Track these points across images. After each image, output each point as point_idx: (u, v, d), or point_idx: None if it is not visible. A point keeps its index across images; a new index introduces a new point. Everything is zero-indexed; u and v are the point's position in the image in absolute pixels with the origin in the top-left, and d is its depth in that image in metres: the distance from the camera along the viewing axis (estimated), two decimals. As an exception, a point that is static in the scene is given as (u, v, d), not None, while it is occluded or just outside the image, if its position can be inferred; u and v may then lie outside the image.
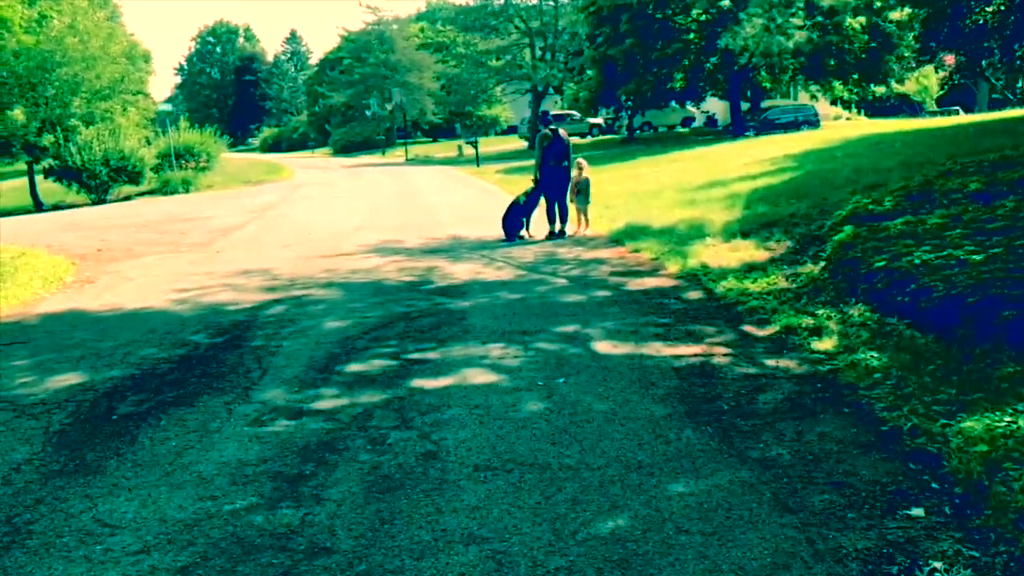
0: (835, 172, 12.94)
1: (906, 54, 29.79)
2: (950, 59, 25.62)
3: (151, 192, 27.93)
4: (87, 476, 4.13)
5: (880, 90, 33.86)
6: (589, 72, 36.84)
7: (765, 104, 34.35)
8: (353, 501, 3.69)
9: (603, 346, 5.90)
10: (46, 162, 27.07)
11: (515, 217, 11.56)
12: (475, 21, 48.41)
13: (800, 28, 26.57)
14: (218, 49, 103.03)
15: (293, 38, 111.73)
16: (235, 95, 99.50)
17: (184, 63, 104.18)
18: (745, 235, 9.69)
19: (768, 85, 33.53)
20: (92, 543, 3.45)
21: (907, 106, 42.14)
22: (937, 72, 37.46)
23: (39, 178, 27.82)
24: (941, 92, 44.07)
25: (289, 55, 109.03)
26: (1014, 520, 3.15)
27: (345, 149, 60.34)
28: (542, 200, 11.64)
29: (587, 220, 11.85)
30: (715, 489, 3.64)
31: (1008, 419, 3.92)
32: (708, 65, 31.23)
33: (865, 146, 17.28)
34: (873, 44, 29.25)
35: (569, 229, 11.67)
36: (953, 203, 8.00)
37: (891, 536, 3.19)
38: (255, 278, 9.60)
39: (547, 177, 11.40)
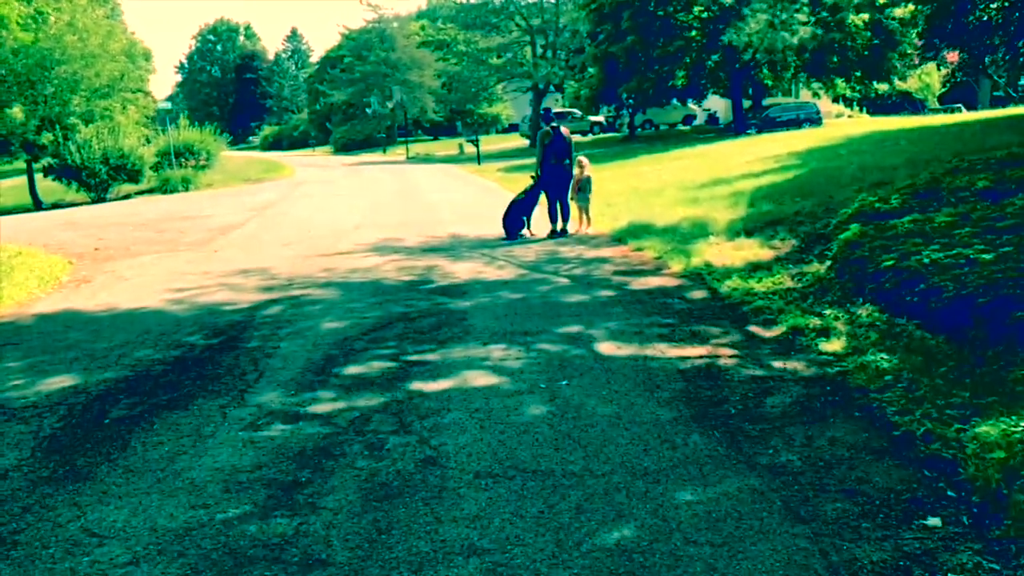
0: (840, 170, 12.81)
1: (909, 51, 29.63)
2: (952, 57, 25.46)
3: (151, 190, 27.82)
4: (77, 483, 4.02)
5: (883, 87, 33.68)
6: (590, 70, 36.70)
7: (767, 102, 34.22)
8: (350, 510, 3.57)
9: (607, 347, 5.78)
10: (45, 160, 26.95)
11: (516, 215, 11.44)
12: (476, 19, 48.24)
13: (804, 24, 26.39)
14: (219, 47, 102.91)
15: (294, 36, 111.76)
16: (236, 93, 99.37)
17: (185, 61, 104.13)
18: (749, 234, 9.56)
19: (770, 83, 33.37)
20: (79, 554, 3.34)
21: (909, 104, 41.97)
22: (939, 69, 37.30)
23: (38, 176, 27.71)
24: (943, 90, 43.90)
25: (290, 53, 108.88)
26: (1036, 531, 3.03)
27: (346, 147, 60.22)
28: (543, 199, 11.52)
29: (589, 218, 11.73)
30: (724, 497, 3.52)
31: (1025, 424, 3.80)
32: (710, 63, 31.09)
33: (869, 144, 17.14)
34: (876, 41, 29.08)
35: (571, 227, 11.54)
36: (961, 201, 7.88)
37: (907, 547, 3.07)
38: (253, 277, 9.49)
39: (548, 175, 11.28)
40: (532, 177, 11.58)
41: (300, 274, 9.52)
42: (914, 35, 27.31)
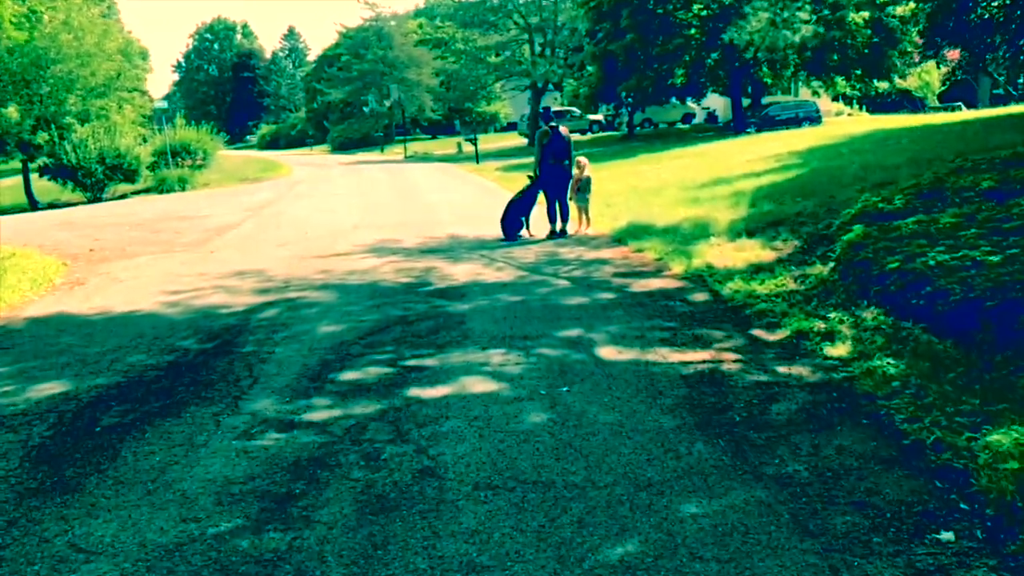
0: (842, 169, 12.71)
1: (909, 49, 29.51)
2: (952, 55, 25.36)
3: (147, 190, 27.68)
4: (64, 495, 3.91)
5: (883, 86, 33.56)
6: (589, 68, 36.55)
7: (766, 100, 34.08)
8: (345, 524, 3.47)
9: (608, 352, 5.67)
10: (41, 160, 26.82)
11: (514, 216, 11.33)
12: (474, 17, 48.05)
13: (806, 22, 26.25)
14: (216, 46, 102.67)
15: (291, 35, 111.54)
16: (233, 92, 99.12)
17: (182, 60, 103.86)
18: (751, 234, 9.46)
19: (769, 81, 33.24)
20: (66, 571, 3.24)
21: (909, 102, 41.86)
22: (939, 68, 37.19)
23: (34, 176, 27.57)
24: (943, 88, 43.81)
25: (287, 52, 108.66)
26: (1054, 547, 2.94)
27: (343, 146, 60.08)
28: (542, 199, 11.41)
29: (588, 219, 11.62)
30: (730, 510, 3.42)
31: (1039, 433, 3.70)
32: (709, 61, 30.95)
33: (871, 142, 17.04)
34: (876, 39, 28.94)
35: (570, 228, 11.44)
36: (966, 201, 7.77)
37: (920, 563, 2.98)
38: (249, 279, 9.38)
39: (546, 175, 11.18)
40: (529, 177, 11.47)
41: (297, 276, 9.41)
42: (914, 33, 27.21)
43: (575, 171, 11.47)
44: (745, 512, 3.39)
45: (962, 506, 3.34)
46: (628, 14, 28.97)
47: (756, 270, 7.81)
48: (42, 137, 25.79)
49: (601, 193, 13.86)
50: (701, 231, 9.97)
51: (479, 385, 5.11)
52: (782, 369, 5.14)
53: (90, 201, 26.32)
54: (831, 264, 7.46)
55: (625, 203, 13.55)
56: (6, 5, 12.85)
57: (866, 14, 27.99)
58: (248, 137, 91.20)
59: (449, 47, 50.56)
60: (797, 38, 26.18)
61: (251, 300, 8.18)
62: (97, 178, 26.30)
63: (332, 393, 5.13)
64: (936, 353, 5.02)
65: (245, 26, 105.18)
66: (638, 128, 38.82)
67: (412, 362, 5.67)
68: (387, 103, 52.84)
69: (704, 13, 28.83)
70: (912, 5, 22.86)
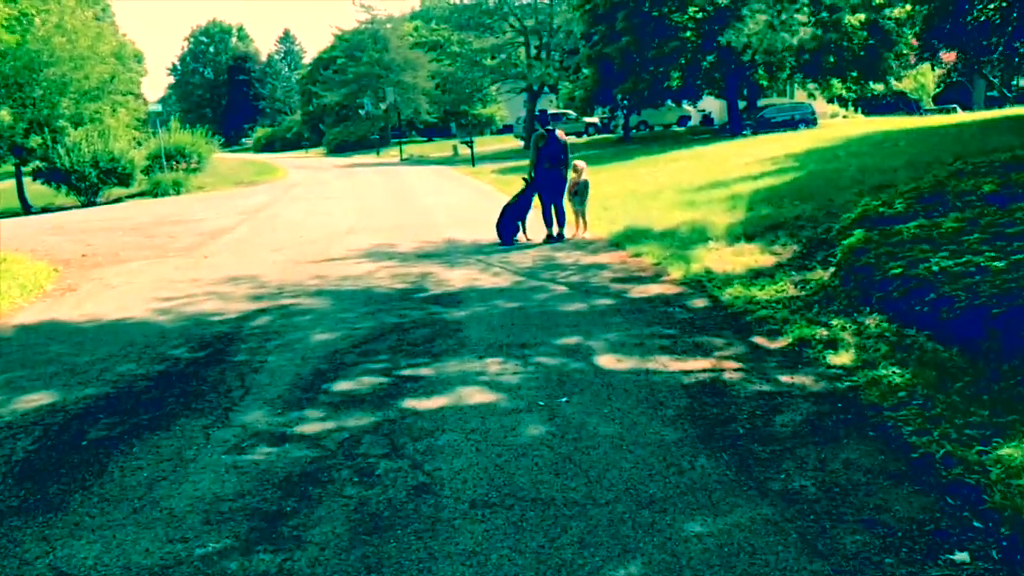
0: (839, 172, 12.63)
1: (905, 51, 29.50)
2: (948, 57, 25.32)
3: (141, 194, 27.54)
4: (47, 514, 3.79)
5: (878, 88, 33.57)
6: (585, 71, 36.49)
7: (762, 103, 34.06)
8: (337, 544, 3.35)
9: (607, 360, 5.56)
10: (34, 164, 26.65)
11: (510, 220, 11.22)
12: (469, 19, 47.96)
13: (804, 25, 26.20)
14: (211, 49, 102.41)
15: (286, 37, 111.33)
16: (228, 95, 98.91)
17: (177, 63, 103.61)
18: (749, 238, 9.37)
19: (765, 83, 33.21)
20: (46, 596, 3.11)
21: (904, 104, 41.90)
22: (934, 70, 37.21)
23: (27, 180, 27.39)
24: (937, 90, 43.86)
25: (283, 54, 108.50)
26: (1072, 568, 2.83)
27: (339, 149, 59.94)
28: (538, 203, 11.29)
29: (585, 223, 11.52)
30: (735, 528, 3.31)
31: (1052, 447, 3.60)
32: (705, 63, 30.91)
33: (868, 145, 16.97)
34: (872, 41, 28.94)
35: (568, 232, 11.34)
36: (968, 206, 7.69)
37: (935, 585, 2.87)
38: (242, 285, 9.25)
39: (542, 179, 11.06)
40: (524, 179, 11.36)
41: (290, 282, 9.29)
42: (910, 35, 27.21)
43: (572, 175, 11.37)
44: (751, 531, 3.28)
45: (976, 524, 3.23)
46: (624, 17, 28.93)
47: (755, 275, 7.72)
48: (35, 140, 25.63)
49: (598, 196, 13.76)
50: (699, 235, 9.88)
51: (476, 396, 5.00)
52: (785, 378, 5.04)
53: (84, 205, 26.17)
54: (832, 269, 7.37)
55: (622, 206, 13.46)
56: (-3, 8, 12.85)
57: (862, 16, 27.97)
58: (244, 140, 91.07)
59: (445, 50, 50.45)
60: (795, 40, 26.13)
61: (244, 307, 8.05)
62: (91, 182, 26.16)
63: (325, 404, 5.01)
64: (942, 362, 4.92)
65: (240, 29, 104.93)
66: (633, 131, 38.77)
67: (407, 371, 5.56)
68: (383, 106, 52.73)
69: (700, 16, 28.78)
70: (908, 7, 22.81)
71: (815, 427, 4.27)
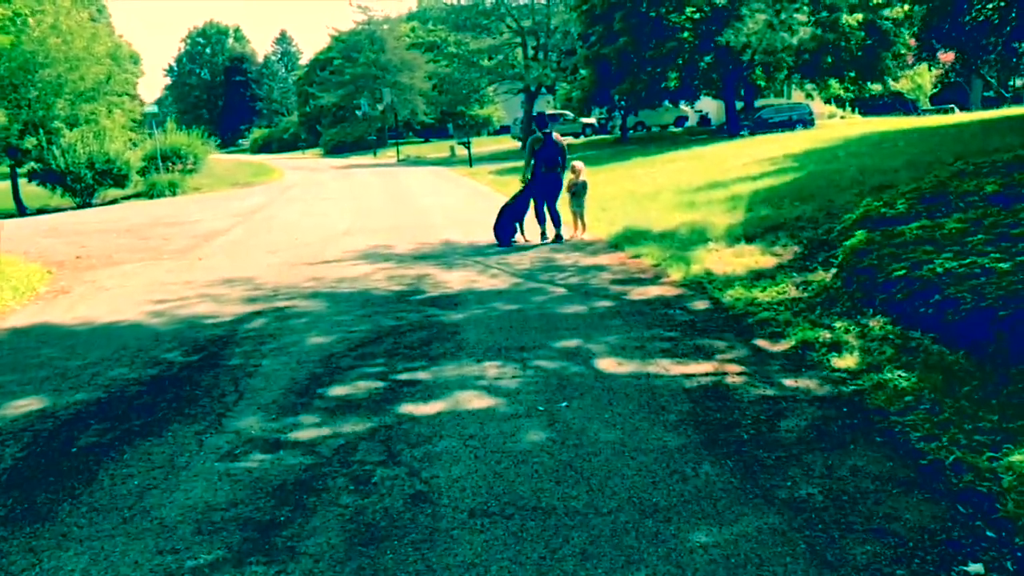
0: (839, 172, 12.55)
1: (902, 51, 29.46)
2: (945, 57, 25.29)
3: (137, 195, 27.41)
4: (35, 524, 3.69)
5: (876, 88, 33.53)
6: (582, 71, 36.41)
7: (759, 103, 34.01)
8: (332, 556, 3.25)
9: (607, 363, 5.47)
10: (29, 165, 26.50)
11: (508, 221, 11.13)
12: (466, 20, 47.88)
13: (804, 24, 26.11)
14: (208, 50, 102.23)
15: (283, 39, 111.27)
16: (225, 96, 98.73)
17: (174, 64, 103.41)
18: (749, 239, 9.28)
19: (763, 84, 33.16)
20: (31, 610, 3.01)
21: (901, 104, 41.89)
22: (931, 70, 37.21)
23: (22, 181, 27.25)
24: (934, 90, 43.86)
25: (279, 55, 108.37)
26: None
27: (336, 150, 59.81)
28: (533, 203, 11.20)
29: (584, 224, 11.43)
30: (742, 539, 3.22)
31: (1065, 454, 3.52)
32: (703, 64, 30.83)
33: (867, 145, 16.90)
34: (869, 41, 28.89)
35: (566, 233, 11.25)
36: (970, 206, 7.60)
37: (948, 598, 2.78)
38: (237, 287, 9.15)
39: (539, 183, 10.96)
40: (522, 181, 11.27)
41: (286, 284, 9.19)
42: (907, 35, 27.16)
43: (570, 175, 11.28)
44: (758, 541, 3.19)
45: (988, 534, 3.14)
46: (621, 17, 28.85)
47: (756, 276, 7.63)
48: (30, 142, 25.48)
49: (596, 197, 13.68)
50: (699, 236, 9.79)
51: (474, 400, 4.90)
52: (789, 382, 4.95)
53: (79, 206, 26.03)
54: (833, 271, 7.29)
55: (621, 207, 13.37)
56: (-11, 8, 12.73)
57: (860, 16, 27.91)
58: (240, 141, 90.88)
59: (442, 50, 50.36)
60: (794, 40, 26.04)
61: (239, 309, 7.95)
62: (86, 183, 26.03)
63: (320, 410, 4.92)
64: (948, 365, 4.84)
65: (237, 30, 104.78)
66: (631, 131, 38.72)
67: (404, 376, 5.46)
68: (380, 107, 52.61)
69: (697, 16, 28.71)
70: (906, 7, 22.76)
71: (821, 432, 4.19)
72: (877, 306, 6.15)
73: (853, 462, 3.83)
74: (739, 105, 32.88)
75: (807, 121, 30.67)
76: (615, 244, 10.41)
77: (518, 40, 46.52)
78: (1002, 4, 16.92)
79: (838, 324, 5.94)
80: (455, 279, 8.79)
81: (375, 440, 4.39)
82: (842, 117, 39.41)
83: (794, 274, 7.60)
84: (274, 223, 16.34)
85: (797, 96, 36.73)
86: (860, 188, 10.57)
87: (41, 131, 25.67)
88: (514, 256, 10.13)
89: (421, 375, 5.45)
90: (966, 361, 4.88)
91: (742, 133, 29.89)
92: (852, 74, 31.12)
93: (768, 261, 8.23)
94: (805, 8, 26.97)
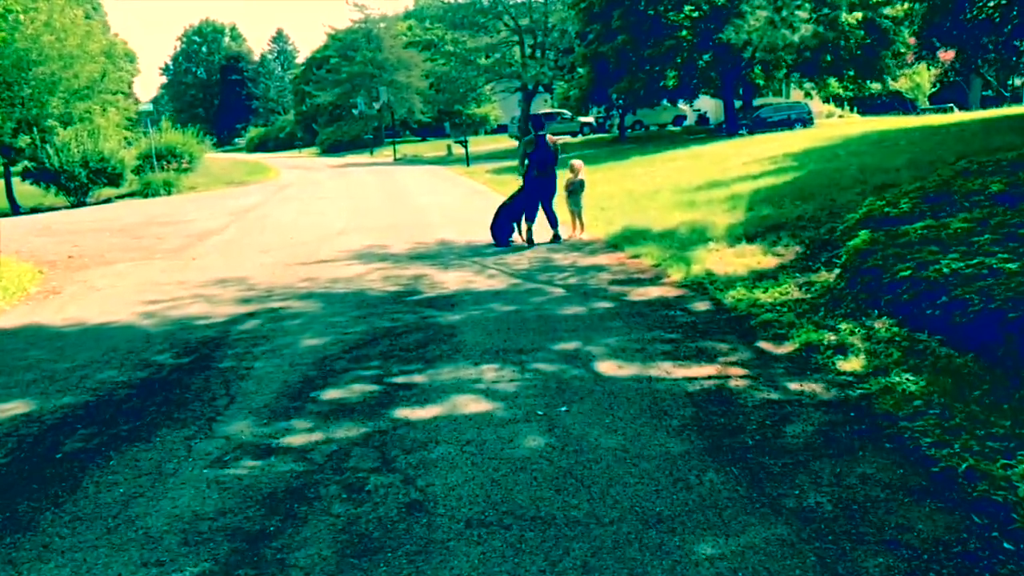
0: (840, 171, 12.43)
1: (902, 50, 29.35)
2: (945, 56, 25.21)
3: (132, 194, 27.22)
4: (16, 534, 3.55)
5: (876, 87, 33.42)
6: (580, 70, 36.26)
7: (758, 102, 33.90)
8: (323, 568, 3.12)
9: (607, 366, 5.35)
10: (23, 164, 26.31)
11: (505, 221, 11.00)
12: (463, 19, 47.78)
13: (806, 21, 25.94)
14: (204, 48, 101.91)
15: (280, 37, 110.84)
16: (221, 95, 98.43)
17: (170, 63, 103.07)
18: (750, 239, 9.17)
19: (762, 82, 33.04)
20: (8, 627, 2.88)
21: (899, 103, 41.82)
22: (929, 69, 37.09)
23: (16, 180, 27.06)
24: (933, 90, 43.79)
25: (276, 54, 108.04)
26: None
27: (333, 149, 59.61)
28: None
29: (582, 223, 11.30)
30: (749, 550, 3.09)
31: (1082, 461, 3.40)
32: (701, 62, 30.71)
33: (867, 144, 16.79)
34: (869, 40, 28.78)
35: (564, 233, 11.12)
36: (976, 206, 7.49)
37: (967, 615, 2.66)
38: (230, 288, 9.01)
39: (531, 186, 10.81)
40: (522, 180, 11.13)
41: (280, 284, 9.05)
42: (907, 34, 27.04)
43: (568, 174, 11.16)
44: (767, 553, 3.07)
45: (1006, 546, 3.02)
46: (619, 15, 28.71)
47: (758, 277, 7.51)
48: (24, 140, 25.28)
49: (594, 196, 13.58)
50: (699, 236, 9.68)
51: (471, 405, 4.77)
52: (793, 386, 4.83)
53: (73, 205, 25.85)
54: (837, 271, 7.17)
55: (619, 207, 13.25)
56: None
57: (859, 15, 27.80)
58: (236, 140, 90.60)
59: (439, 49, 50.34)
60: (796, 37, 25.87)
61: (231, 310, 7.82)
62: (80, 182, 25.83)
63: (313, 414, 4.78)
64: (957, 368, 4.72)
65: (233, 28, 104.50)
66: (629, 130, 38.59)
67: (400, 379, 5.33)
68: (376, 105, 52.40)
69: (696, 15, 28.58)
70: (906, 5, 22.64)
71: (828, 438, 4.06)
72: (882, 307, 6.03)
73: (862, 469, 3.71)
74: (738, 104, 32.76)
75: (806, 120, 30.57)
76: (614, 244, 10.29)
77: (515, 38, 46.42)
78: (1003, 2, 16.81)
79: (843, 326, 5.82)
80: (452, 279, 8.66)
81: (369, 446, 4.26)
82: (840, 116, 39.33)
83: (796, 274, 7.48)
84: (269, 222, 16.19)
85: (796, 95, 36.63)
86: (862, 187, 10.46)
87: (35, 129, 25.48)
88: (511, 256, 10.01)
89: (417, 378, 5.32)
90: (975, 364, 4.77)
91: (741, 132, 29.78)
92: (851, 73, 31.00)
93: (770, 261, 8.12)
94: (807, 5, 26.82)
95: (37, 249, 13.67)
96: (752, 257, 8.37)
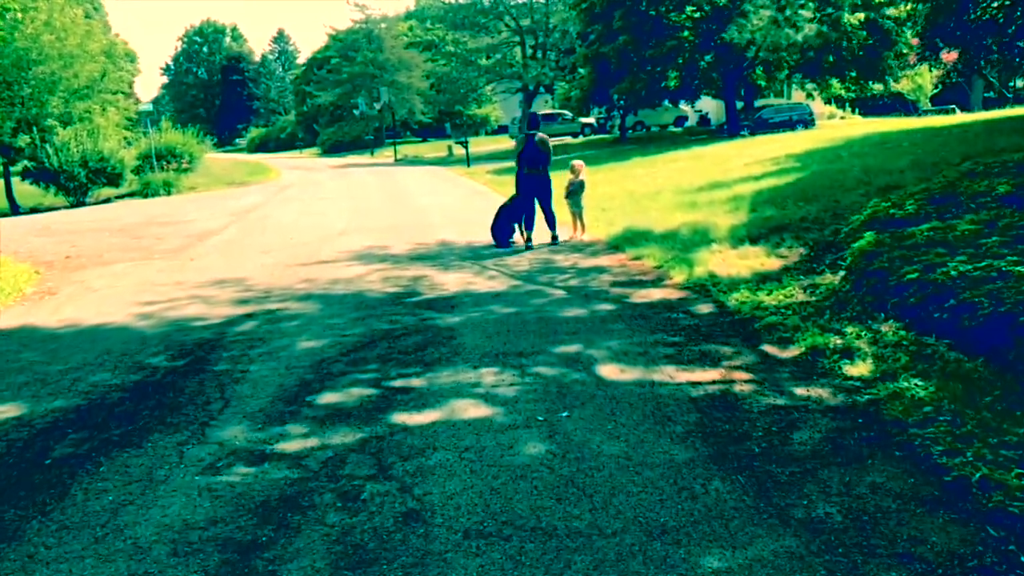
0: (843, 173, 12.32)
1: (904, 51, 29.24)
2: (948, 57, 25.10)
3: (131, 194, 27.14)
4: (0, 543, 3.45)
5: (878, 88, 33.31)
6: (581, 71, 36.17)
7: (759, 103, 33.79)
8: (316, 581, 3.02)
9: (609, 370, 5.24)
10: (22, 164, 26.23)
11: (505, 222, 10.89)
12: (464, 19, 47.71)
13: (810, 21, 25.80)
14: (205, 49, 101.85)
15: (281, 37, 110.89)
16: (222, 95, 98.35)
17: (171, 63, 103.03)
18: (753, 241, 9.06)
19: (763, 83, 32.93)
20: (-12, 643, 2.78)
21: (901, 105, 41.68)
22: (931, 70, 36.97)
23: (15, 180, 26.97)
24: (935, 91, 43.65)
25: (277, 54, 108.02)
26: None
27: (333, 149, 59.52)
28: (537, 205, 10.95)
29: (583, 224, 11.20)
30: (757, 563, 2.99)
31: (1100, 471, 3.30)
32: (703, 63, 30.61)
33: (870, 145, 16.68)
34: (871, 41, 28.67)
35: (564, 234, 11.01)
36: (982, 207, 7.38)
37: (984, 633, 2.56)
38: (228, 289, 8.91)
39: (521, 184, 10.72)
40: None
41: (278, 285, 8.95)
42: (909, 34, 26.93)
43: (569, 174, 11.05)
44: (775, 566, 2.97)
45: (1023, 559, 2.92)
46: (621, 16, 28.62)
47: (762, 279, 7.41)
48: (23, 140, 25.21)
49: (595, 197, 13.48)
50: (701, 237, 9.57)
51: (470, 410, 4.67)
52: (800, 391, 4.73)
53: (73, 205, 25.77)
54: (842, 273, 7.06)
55: (621, 208, 13.14)
56: (-23, 4, 12.47)
57: (861, 15, 27.69)
58: (237, 140, 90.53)
59: (440, 49, 50.26)
60: (800, 37, 25.73)
61: (229, 312, 7.72)
62: (80, 182, 25.75)
63: (309, 419, 4.68)
64: (967, 373, 4.62)
65: (234, 29, 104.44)
66: (630, 131, 38.49)
67: (398, 382, 5.23)
68: (377, 106, 52.31)
69: (698, 15, 28.49)
70: (909, 6, 22.53)
71: (836, 446, 3.96)
72: (889, 310, 5.93)
73: (872, 478, 3.60)
74: (739, 105, 32.66)
75: (807, 121, 30.47)
76: (615, 245, 10.19)
77: (516, 39, 46.35)
78: (1007, 3, 16.70)
79: (849, 329, 5.72)
80: (452, 281, 8.56)
81: (365, 452, 4.16)
82: (842, 117, 39.21)
83: (801, 277, 7.38)
84: (269, 223, 16.10)
85: (797, 96, 36.50)
86: (866, 189, 10.34)
87: (34, 129, 25.41)
88: (512, 257, 9.91)
89: (415, 382, 5.22)
90: (985, 369, 4.67)
91: (742, 133, 29.69)
92: (853, 74, 30.89)
93: (773, 263, 8.01)
94: (810, 4, 26.70)
95: (35, 249, 13.58)
96: (755, 259, 8.26)
